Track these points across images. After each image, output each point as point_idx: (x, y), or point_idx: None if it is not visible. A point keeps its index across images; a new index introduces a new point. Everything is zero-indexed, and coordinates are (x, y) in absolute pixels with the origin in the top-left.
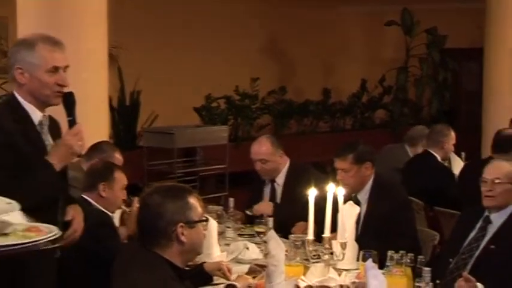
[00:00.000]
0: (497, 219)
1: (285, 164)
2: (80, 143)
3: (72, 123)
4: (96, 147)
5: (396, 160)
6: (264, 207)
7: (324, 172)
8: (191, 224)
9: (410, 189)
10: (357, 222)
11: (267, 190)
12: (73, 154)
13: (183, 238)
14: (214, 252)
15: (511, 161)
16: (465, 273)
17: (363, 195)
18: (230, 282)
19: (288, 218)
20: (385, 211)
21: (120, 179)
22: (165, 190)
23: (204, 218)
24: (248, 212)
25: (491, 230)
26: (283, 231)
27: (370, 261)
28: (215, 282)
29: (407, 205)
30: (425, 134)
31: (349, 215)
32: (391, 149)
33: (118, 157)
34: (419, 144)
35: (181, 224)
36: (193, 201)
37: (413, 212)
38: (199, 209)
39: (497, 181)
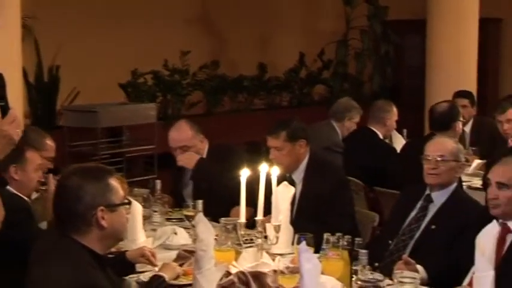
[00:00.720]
0: (439, 198)
1: (204, 148)
2: (17, 130)
3: (4, 109)
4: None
5: (324, 138)
6: None
7: (259, 152)
8: (112, 207)
9: (349, 169)
10: (292, 203)
11: (188, 172)
12: (12, 144)
13: (103, 223)
14: (139, 238)
15: (453, 138)
16: (405, 256)
17: (298, 175)
18: (157, 273)
19: (216, 202)
20: (321, 191)
21: (33, 159)
22: (83, 171)
23: (126, 201)
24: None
25: (433, 210)
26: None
27: (303, 244)
28: (140, 270)
29: (344, 185)
30: (350, 106)
31: (284, 196)
32: (317, 127)
33: (50, 144)
34: (346, 118)
35: (101, 207)
36: (115, 183)
37: (351, 192)
38: (121, 192)
39: (440, 158)
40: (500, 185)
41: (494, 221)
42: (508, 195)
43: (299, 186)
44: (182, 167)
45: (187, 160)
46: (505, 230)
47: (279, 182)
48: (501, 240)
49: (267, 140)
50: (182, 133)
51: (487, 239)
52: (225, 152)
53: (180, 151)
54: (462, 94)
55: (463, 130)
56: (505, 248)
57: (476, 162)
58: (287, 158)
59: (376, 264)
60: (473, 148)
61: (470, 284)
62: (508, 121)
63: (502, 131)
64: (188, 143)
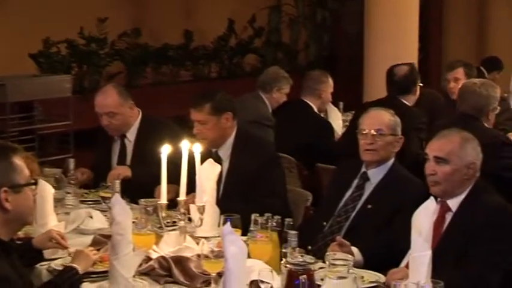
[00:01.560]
0: (376, 175)
1: (136, 117)
2: None
3: None
4: None
5: (251, 110)
6: (121, 171)
7: (186, 127)
8: (16, 188)
9: (281, 144)
10: (218, 182)
11: (115, 148)
12: None
13: (7, 205)
14: (50, 222)
15: (390, 111)
16: (338, 237)
17: (225, 151)
18: (69, 264)
19: (142, 180)
20: (249, 168)
21: None
22: None
23: (32, 181)
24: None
25: (369, 188)
26: (138, 195)
27: (227, 226)
28: (52, 256)
29: (275, 161)
30: (279, 76)
31: (209, 174)
32: (244, 99)
33: None
34: (274, 89)
35: (4, 188)
36: (19, 161)
37: (282, 169)
38: (26, 171)
39: (376, 133)
40: (438, 160)
41: (432, 198)
42: (447, 171)
43: (226, 164)
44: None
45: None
46: (444, 208)
47: (203, 159)
48: (440, 218)
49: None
50: (108, 98)
51: (423, 217)
52: (158, 125)
53: (106, 117)
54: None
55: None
56: (444, 226)
57: None
58: (212, 132)
59: (310, 247)
60: None
61: (407, 265)
62: (456, 80)
63: (448, 90)
64: (115, 110)
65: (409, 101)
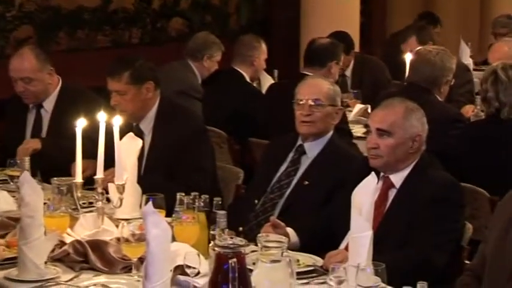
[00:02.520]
0: (313, 149)
1: (56, 85)
2: None
3: None
4: None
5: (178, 80)
6: (31, 144)
7: (105, 99)
8: None
9: (210, 117)
10: (140, 158)
11: (30, 119)
12: None
13: None
14: None
15: (329, 79)
16: (272, 217)
17: (146, 125)
18: None
19: (55, 156)
20: (173, 143)
21: None
22: None
23: None
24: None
25: (305, 163)
26: (51, 174)
27: (149, 206)
28: None
29: (202, 135)
30: (210, 42)
31: (129, 150)
32: (170, 67)
33: None
34: (205, 56)
35: None
36: None
37: (210, 143)
38: None
39: (314, 103)
40: (381, 132)
41: (372, 174)
42: (390, 144)
43: (148, 138)
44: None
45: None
46: (386, 185)
47: (123, 134)
48: (382, 195)
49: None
50: (25, 61)
51: (364, 195)
52: (79, 95)
53: (22, 83)
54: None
55: (344, 74)
56: (387, 204)
57: (358, 107)
58: (132, 103)
59: (241, 228)
60: (355, 91)
61: (347, 247)
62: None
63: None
64: (31, 75)
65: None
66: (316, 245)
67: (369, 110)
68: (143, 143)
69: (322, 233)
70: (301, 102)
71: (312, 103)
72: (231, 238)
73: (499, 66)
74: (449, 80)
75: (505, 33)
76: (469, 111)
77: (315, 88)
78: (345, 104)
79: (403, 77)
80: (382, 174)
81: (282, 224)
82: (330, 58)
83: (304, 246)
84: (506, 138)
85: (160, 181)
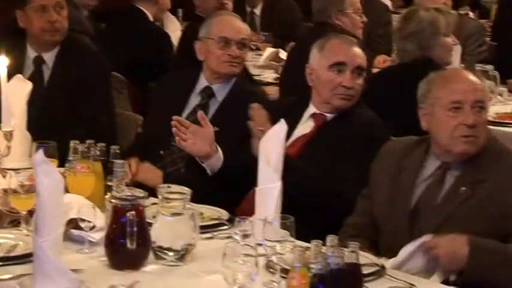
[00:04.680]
0: (221, 91)
1: None
2: None
3: None
4: None
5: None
6: None
7: None
8: None
9: (109, 60)
10: (29, 104)
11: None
12: None
13: None
14: None
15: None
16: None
17: (51, 54)
18: None
19: None
20: (80, 75)
21: None
22: None
23: None
24: None
25: (214, 106)
26: None
27: (40, 154)
28: None
29: (104, 77)
30: None
31: (17, 93)
32: None
33: None
34: None
35: None
36: None
37: (110, 87)
38: None
39: (240, 43)
40: (360, 71)
41: (281, 121)
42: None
43: (48, 69)
44: None
45: None
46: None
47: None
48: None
49: None
50: None
51: (272, 144)
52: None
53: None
54: None
55: (253, 12)
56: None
57: (269, 51)
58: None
59: (162, 152)
60: (266, 34)
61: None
62: None
63: None
64: None
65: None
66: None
67: (280, 54)
68: (42, 74)
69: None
70: (229, 41)
71: (240, 43)
72: (129, 189)
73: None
74: (343, 9)
75: None
76: (380, 61)
77: (241, 26)
78: (254, 48)
79: None
80: (314, 112)
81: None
82: None
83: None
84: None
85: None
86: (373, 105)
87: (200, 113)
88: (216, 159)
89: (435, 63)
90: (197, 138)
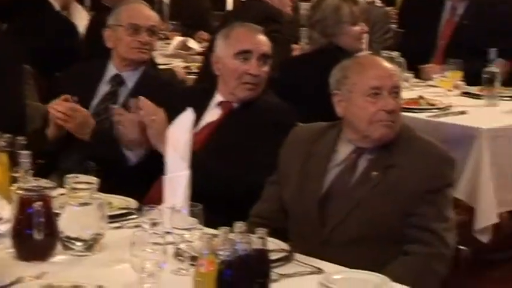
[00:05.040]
0: (131, 79)
1: None
2: None
3: None
4: None
5: None
6: None
7: None
8: None
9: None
10: None
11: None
12: None
13: None
14: None
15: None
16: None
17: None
18: None
19: None
20: None
21: None
22: None
23: None
24: None
25: (124, 94)
26: None
27: None
28: None
29: (13, 67)
30: None
31: None
32: None
33: None
34: None
35: None
36: None
37: (20, 77)
38: None
39: (148, 30)
40: (266, 59)
41: (189, 110)
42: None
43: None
44: None
45: None
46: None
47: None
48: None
49: None
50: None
51: (179, 132)
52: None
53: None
54: None
55: (161, 1)
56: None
57: (177, 40)
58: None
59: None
60: (174, 23)
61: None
62: None
63: None
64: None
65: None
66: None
67: (189, 43)
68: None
69: None
70: (138, 27)
71: (150, 30)
72: (36, 180)
73: None
74: None
75: None
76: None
77: (150, 13)
78: (163, 37)
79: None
80: (221, 100)
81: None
82: None
83: None
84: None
85: None
86: (285, 92)
87: (134, 101)
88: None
89: (344, 50)
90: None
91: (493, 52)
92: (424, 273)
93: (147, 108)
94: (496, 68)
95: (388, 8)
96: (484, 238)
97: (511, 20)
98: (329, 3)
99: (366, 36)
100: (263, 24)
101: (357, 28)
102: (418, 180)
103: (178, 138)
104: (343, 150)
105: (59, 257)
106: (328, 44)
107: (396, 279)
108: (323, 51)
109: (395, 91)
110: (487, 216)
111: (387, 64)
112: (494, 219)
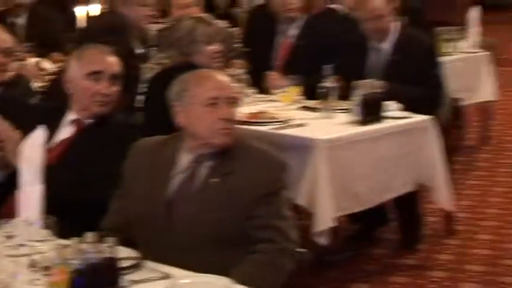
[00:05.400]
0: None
1: None
2: None
3: None
4: None
5: None
6: None
7: None
8: None
9: None
10: None
11: None
12: None
13: None
14: None
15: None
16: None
17: None
18: None
19: None
20: None
21: None
22: None
23: None
24: None
25: None
26: None
27: None
28: None
29: None
30: None
31: None
32: None
33: None
34: None
35: None
36: None
37: None
38: None
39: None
40: (115, 79)
41: (41, 127)
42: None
43: None
44: None
45: None
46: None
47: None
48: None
49: None
50: None
51: (32, 149)
52: None
53: None
54: None
55: (14, 23)
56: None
57: (31, 60)
58: None
59: None
60: (28, 44)
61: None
62: None
63: None
64: None
65: None
66: None
67: (41, 65)
68: None
69: None
70: None
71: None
72: None
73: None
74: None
75: None
76: None
77: (5, 36)
78: (20, 58)
79: None
80: (74, 118)
81: None
82: None
83: None
84: None
85: None
86: (152, 106)
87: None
88: None
89: (199, 67)
90: None
91: (327, 68)
92: (271, 269)
93: (3, 127)
94: (330, 83)
95: (234, 29)
96: (323, 241)
97: (341, 38)
98: (185, 24)
99: (221, 55)
100: (107, 34)
101: (211, 47)
102: (255, 186)
103: (31, 154)
104: (184, 159)
105: None
106: (185, 61)
107: (245, 278)
108: (177, 67)
109: (231, 101)
110: (324, 220)
111: (223, 77)
112: (331, 223)
